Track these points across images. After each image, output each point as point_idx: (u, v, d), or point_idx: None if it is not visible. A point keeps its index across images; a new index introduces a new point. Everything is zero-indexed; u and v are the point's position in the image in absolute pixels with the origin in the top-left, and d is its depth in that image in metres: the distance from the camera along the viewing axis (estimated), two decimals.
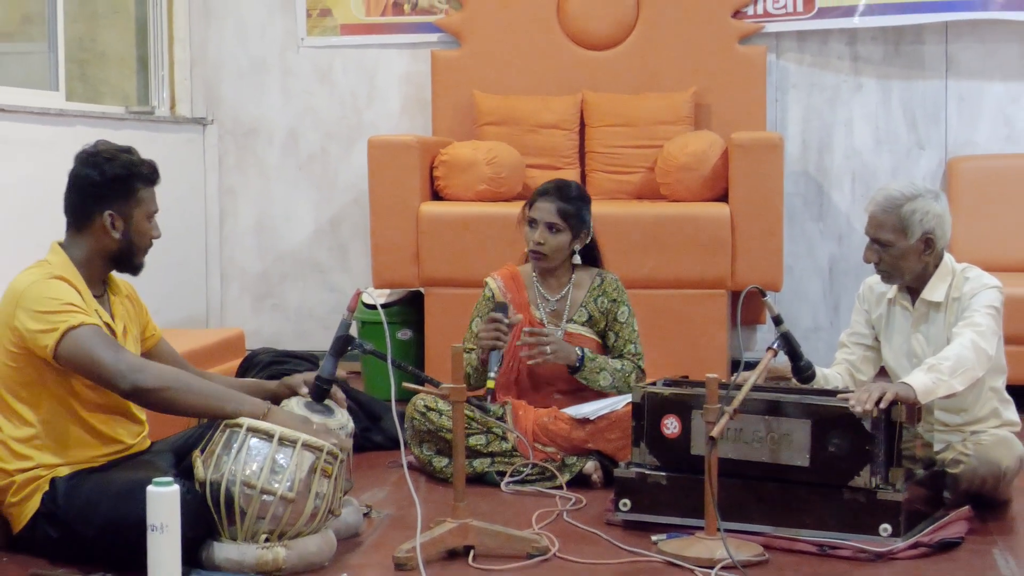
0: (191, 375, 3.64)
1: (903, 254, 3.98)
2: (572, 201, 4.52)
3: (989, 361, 3.87)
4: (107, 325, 3.59)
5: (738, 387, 3.61)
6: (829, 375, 4.16)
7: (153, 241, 3.70)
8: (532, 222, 4.51)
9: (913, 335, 4.08)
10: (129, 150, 3.66)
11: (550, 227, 4.49)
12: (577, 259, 4.61)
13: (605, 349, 4.64)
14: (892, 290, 4.13)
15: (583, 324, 4.57)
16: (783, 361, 3.94)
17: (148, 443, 3.79)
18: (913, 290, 4.08)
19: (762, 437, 3.73)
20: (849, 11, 6.45)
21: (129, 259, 3.67)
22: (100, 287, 3.68)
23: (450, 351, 3.63)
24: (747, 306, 5.99)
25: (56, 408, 3.53)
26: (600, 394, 4.50)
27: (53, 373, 3.49)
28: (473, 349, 4.48)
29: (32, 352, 3.45)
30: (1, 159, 5.01)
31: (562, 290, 4.60)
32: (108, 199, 3.58)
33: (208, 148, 6.97)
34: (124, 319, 3.72)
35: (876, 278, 4.22)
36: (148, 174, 3.65)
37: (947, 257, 4.06)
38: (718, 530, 3.52)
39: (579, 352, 4.46)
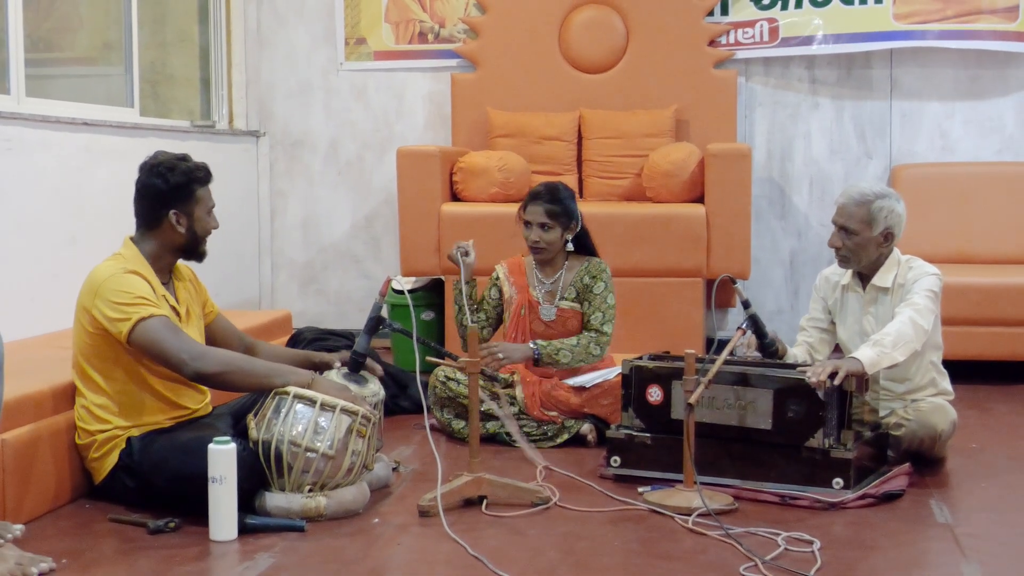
0: (245, 358, 3.62)
1: (864, 244, 3.98)
2: (558, 201, 4.47)
3: (925, 335, 3.86)
4: (173, 309, 3.59)
5: (712, 361, 3.61)
6: (795, 353, 4.15)
7: (212, 231, 3.70)
8: (527, 224, 4.51)
9: (864, 316, 4.07)
10: (185, 157, 3.65)
11: (542, 226, 4.48)
12: (570, 247, 4.59)
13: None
14: (845, 277, 4.12)
15: (572, 301, 4.56)
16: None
17: (210, 408, 3.79)
18: (864, 277, 4.07)
19: (732, 404, 3.72)
20: (808, 40, 6.43)
21: (194, 249, 3.67)
22: (167, 275, 3.67)
23: (468, 331, 3.62)
24: (720, 292, 5.98)
25: (129, 379, 3.53)
26: (593, 367, 4.49)
27: (126, 351, 3.49)
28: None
29: (108, 333, 3.45)
30: (86, 166, 5.00)
31: (555, 275, 4.59)
32: (173, 202, 3.58)
33: (261, 156, 6.96)
34: (187, 302, 3.71)
35: (830, 269, 4.21)
36: (203, 176, 3.66)
37: (895, 250, 4.05)
38: (695, 483, 3.51)
39: (532, 346, 4.43)
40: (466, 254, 4.30)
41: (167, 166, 3.59)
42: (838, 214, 4.00)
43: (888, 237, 3.99)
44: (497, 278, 4.64)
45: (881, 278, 4.02)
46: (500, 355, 4.37)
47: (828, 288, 4.20)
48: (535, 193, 4.54)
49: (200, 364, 3.43)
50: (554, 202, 4.47)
